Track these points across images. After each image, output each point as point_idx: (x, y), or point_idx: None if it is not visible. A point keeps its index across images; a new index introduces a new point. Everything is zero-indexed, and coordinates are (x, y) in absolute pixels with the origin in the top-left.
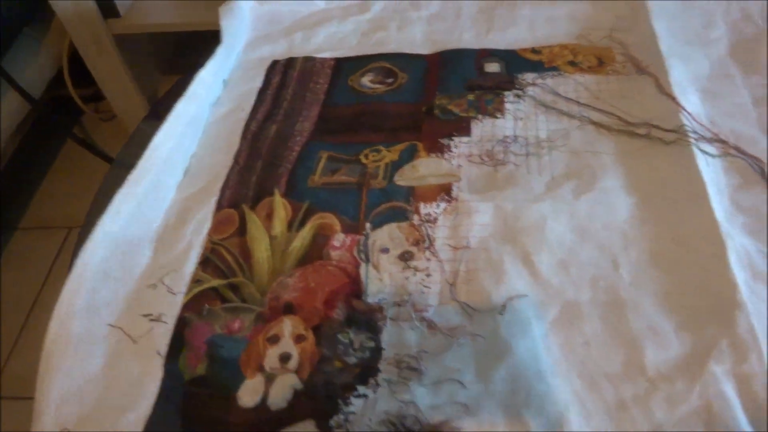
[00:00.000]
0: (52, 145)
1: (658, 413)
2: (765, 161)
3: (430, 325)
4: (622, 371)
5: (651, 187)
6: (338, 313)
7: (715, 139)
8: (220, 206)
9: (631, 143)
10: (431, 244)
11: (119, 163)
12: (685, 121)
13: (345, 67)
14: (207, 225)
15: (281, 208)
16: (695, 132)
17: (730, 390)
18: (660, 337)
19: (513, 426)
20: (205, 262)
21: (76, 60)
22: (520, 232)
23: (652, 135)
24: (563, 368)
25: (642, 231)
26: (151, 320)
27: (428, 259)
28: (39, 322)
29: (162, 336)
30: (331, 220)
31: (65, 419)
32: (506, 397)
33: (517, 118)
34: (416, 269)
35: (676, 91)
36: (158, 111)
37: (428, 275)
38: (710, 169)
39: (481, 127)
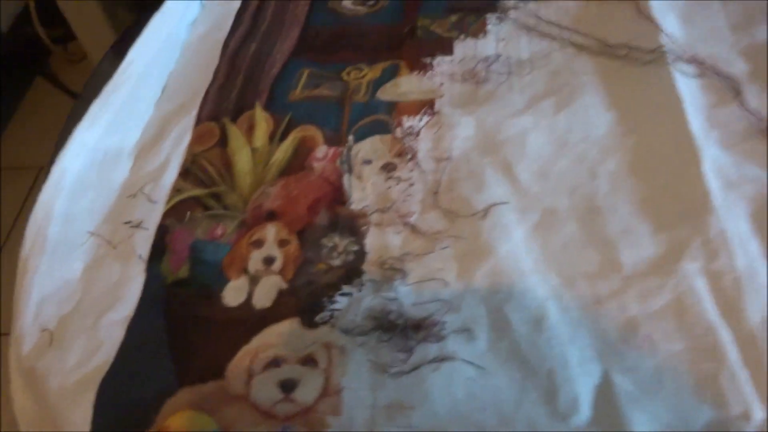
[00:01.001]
0: (19, 84)
1: (633, 307)
2: (739, 81)
3: (414, 229)
4: (598, 270)
5: (629, 103)
6: (322, 219)
7: (692, 60)
8: (199, 120)
9: (610, 64)
10: (414, 155)
11: (84, 99)
12: (664, 42)
13: None
14: (187, 138)
15: (262, 120)
16: (673, 53)
17: (701, 285)
18: (635, 239)
19: (494, 320)
20: (185, 174)
21: (43, 1)
22: (501, 145)
23: (630, 56)
24: (542, 267)
25: (620, 143)
26: (132, 227)
27: (411, 170)
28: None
29: (143, 241)
30: (313, 132)
31: (45, 320)
32: (488, 294)
33: (500, 39)
34: (399, 179)
35: (656, 15)
36: (122, 45)
37: (411, 185)
38: (686, 88)
39: (464, 47)
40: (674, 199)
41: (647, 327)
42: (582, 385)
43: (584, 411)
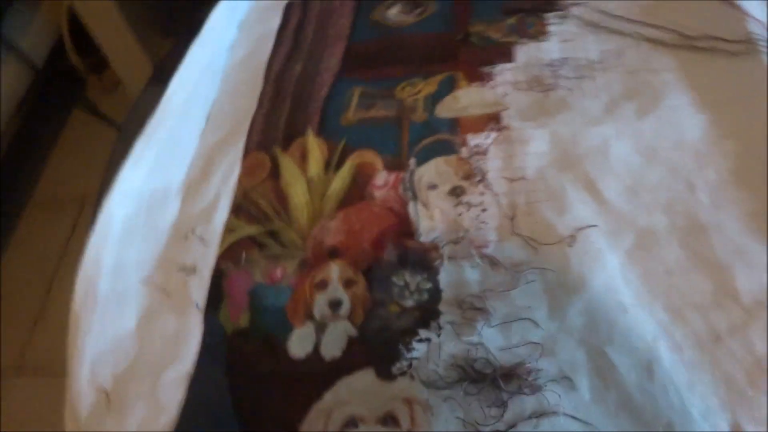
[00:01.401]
0: (58, 117)
1: (759, 343)
2: None
3: (493, 261)
4: (712, 300)
5: (721, 102)
6: (389, 255)
7: None
8: (248, 150)
9: (693, 58)
10: (483, 177)
11: (126, 129)
12: (753, 30)
13: (365, 2)
14: (236, 171)
15: (316, 148)
16: (765, 40)
17: None
18: (750, 260)
19: (597, 365)
20: (237, 210)
21: (76, 31)
22: (581, 158)
23: (715, 47)
24: (645, 300)
25: (718, 149)
26: (186, 273)
27: (482, 194)
28: (57, 301)
29: (198, 289)
30: (371, 157)
31: (101, 379)
32: (585, 334)
33: (564, 40)
34: (470, 204)
35: None
36: (162, 74)
37: (484, 210)
38: None
39: (525, 52)
40: None
41: None
42: None
43: None
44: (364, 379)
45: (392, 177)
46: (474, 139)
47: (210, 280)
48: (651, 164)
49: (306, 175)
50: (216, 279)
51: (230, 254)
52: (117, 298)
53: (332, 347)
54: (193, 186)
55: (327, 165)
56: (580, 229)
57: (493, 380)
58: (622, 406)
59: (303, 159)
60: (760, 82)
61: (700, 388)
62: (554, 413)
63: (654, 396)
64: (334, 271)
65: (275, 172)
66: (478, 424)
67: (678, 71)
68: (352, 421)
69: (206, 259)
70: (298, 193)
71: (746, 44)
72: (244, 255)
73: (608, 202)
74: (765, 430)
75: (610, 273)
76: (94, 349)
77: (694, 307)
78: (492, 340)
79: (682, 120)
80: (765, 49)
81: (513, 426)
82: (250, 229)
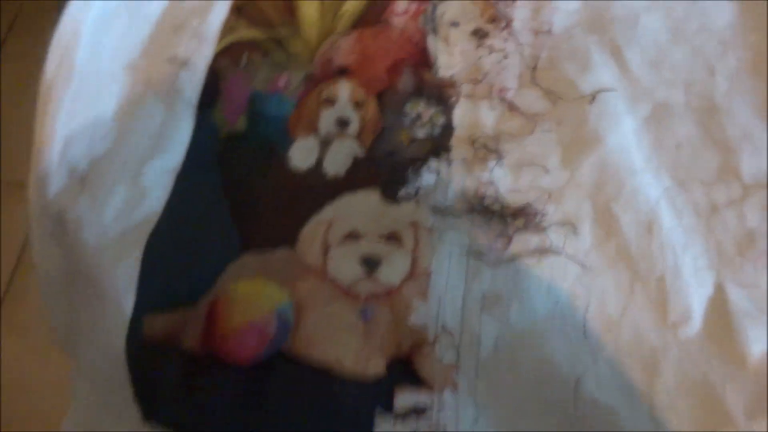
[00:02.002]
0: None
1: (752, 218)
2: None
3: (511, 106)
4: (715, 175)
5: None
6: (404, 83)
7: None
8: None
9: None
10: (509, 24)
11: None
12: None
13: None
14: None
15: None
16: None
17: None
18: (756, 145)
19: (601, 217)
20: (238, 11)
21: None
22: (610, 23)
23: None
24: (653, 166)
25: (741, 39)
26: (177, 65)
27: (505, 40)
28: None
29: (190, 83)
30: None
31: (74, 160)
32: (594, 189)
33: None
34: (492, 48)
35: None
36: None
37: (505, 57)
38: None
39: None
40: None
41: (767, 241)
42: (694, 295)
43: (695, 323)
44: (368, 198)
45: (414, 6)
46: None
47: (205, 76)
48: (677, 43)
49: None
50: (211, 77)
51: (229, 54)
52: (95, 75)
53: (336, 164)
54: None
55: None
56: (601, 90)
57: (500, 215)
58: (621, 257)
59: None
60: None
61: (692, 250)
62: (556, 253)
63: (651, 251)
64: (344, 89)
65: None
66: (482, 252)
67: None
68: (353, 234)
69: (201, 53)
70: (308, 6)
71: None
72: (245, 56)
73: (630, 71)
74: (745, 292)
75: (625, 136)
76: (68, 126)
77: (698, 180)
78: (502, 180)
79: (711, 6)
80: None
81: (515, 259)
82: (252, 32)
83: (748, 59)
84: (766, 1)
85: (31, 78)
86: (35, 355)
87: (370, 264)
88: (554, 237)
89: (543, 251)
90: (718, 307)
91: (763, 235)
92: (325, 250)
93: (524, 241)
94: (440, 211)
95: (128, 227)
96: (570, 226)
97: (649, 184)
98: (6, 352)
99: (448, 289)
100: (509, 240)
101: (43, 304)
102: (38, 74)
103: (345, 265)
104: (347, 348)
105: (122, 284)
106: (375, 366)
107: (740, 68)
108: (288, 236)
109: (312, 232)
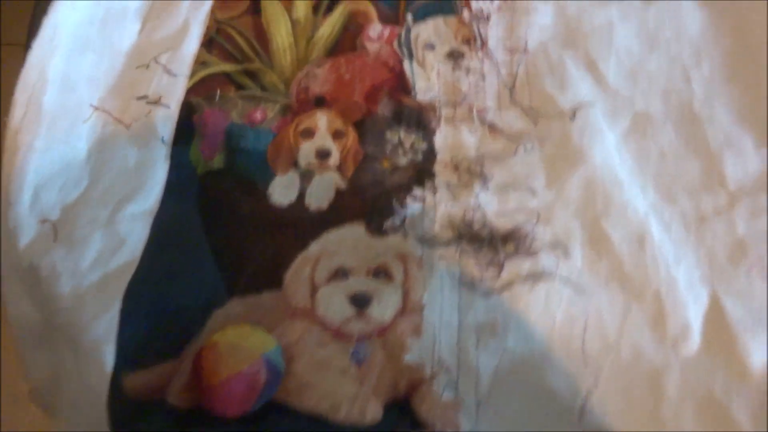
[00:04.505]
0: None
1: (741, 226)
2: None
3: (492, 127)
4: (701, 183)
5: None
6: (383, 109)
7: None
8: None
9: None
10: (484, 44)
11: None
12: None
13: None
14: None
15: None
16: None
17: None
18: (739, 151)
19: (591, 235)
20: (209, 44)
21: None
22: (584, 36)
23: None
24: (639, 179)
25: (714, 45)
26: (149, 103)
27: (481, 60)
28: None
29: (164, 121)
30: (365, 6)
31: (45, 209)
32: (582, 206)
33: None
34: (468, 70)
35: None
36: None
37: (483, 77)
38: None
39: None
40: None
41: (758, 249)
42: (691, 310)
43: (694, 338)
44: (353, 231)
45: (387, 30)
46: (478, 3)
47: (178, 113)
48: (652, 52)
49: (291, 15)
50: (185, 113)
51: (202, 89)
52: (66, 114)
53: (319, 197)
54: (156, 7)
55: (316, 8)
56: (580, 105)
57: (490, 241)
58: (614, 275)
59: None
60: None
61: (685, 263)
62: (549, 277)
63: (644, 267)
64: (322, 120)
65: (255, 7)
66: (475, 282)
67: None
68: (340, 271)
69: (173, 90)
70: (281, 34)
71: None
72: (218, 92)
73: (608, 83)
74: (740, 301)
75: (608, 150)
76: (38, 174)
77: (684, 189)
78: (489, 204)
79: (683, 13)
80: None
81: (508, 287)
82: (225, 66)
83: (722, 65)
84: (735, 8)
85: None
86: None
87: (360, 302)
88: (546, 260)
89: (536, 276)
90: (716, 319)
91: (753, 243)
92: (313, 290)
93: (516, 267)
94: (428, 240)
95: (105, 277)
96: (561, 247)
97: (636, 198)
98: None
99: (442, 323)
100: (501, 267)
101: (19, 361)
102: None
103: (334, 305)
104: (341, 394)
105: (102, 338)
106: (372, 412)
107: (715, 76)
108: (274, 277)
109: (298, 271)
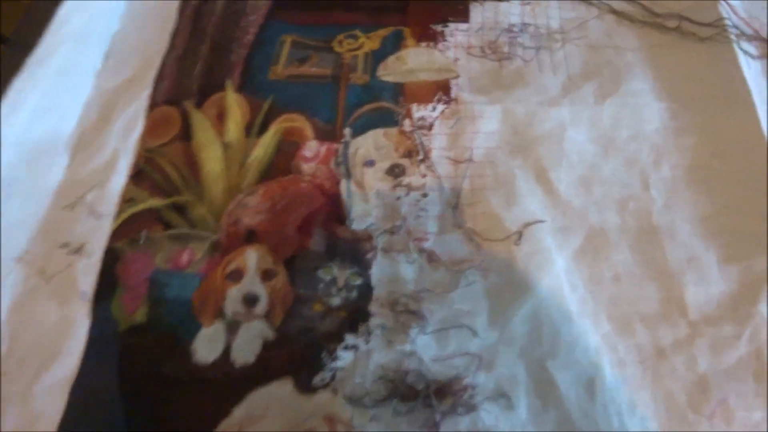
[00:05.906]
0: None
1: (703, 361)
2: None
3: (431, 257)
4: (659, 311)
5: (685, 90)
6: (316, 243)
7: (755, 38)
8: (154, 102)
9: (658, 37)
10: (426, 156)
11: (15, 43)
12: (725, 14)
13: None
14: (138, 127)
15: (236, 106)
16: (735, 27)
17: None
18: (701, 270)
19: (536, 381)
20: (138, 176)
21: None
22: (534, 142)
23: (683, 29)
24: (590, 309)
25: (676, 143)
26: (71, 252)
27: (423, 175)
28: None
29: (86, 273)
30: (301, 122)
31: None
32: (527, 346)
33: (525, 3)
34: (410, 187)
35: None
36: None
37: (424, 195)
38: (751, 71)
39: (482, 12)
40: (743, 217)
41: (721, 389)
42: None
43: None
44: (280, 390)
45: (324, 148)
46: (419, 111)
47: (101, 262)
48: (606, 155)
49: (223, 138)
50: (108, 261)
51: (127, 231)
52: None
53: (245, 352)
54: (84, 140)
55: (248, 128)
56: (529, 224)
57: (425, 398)
58: (561, 428)
59: (220, 119)
60: (726, 71)
61: (640, 410)
62: None
63: (594, 417)
64: (251, 258)
65: (186, 133)
66: None
67: (642, 52)
68: None
69: (97, 235)
70: (212, 160)
71: (716, 29)
72: (144, 233)
73: (559, 195)
74: None
75: (557, 276)
76: None
77: (641, 319)
78: (426, 349)
79: (641, 108)
80: (734, 38)
81: None
82: (152, 201)
83: (683, 166)
84: (700, 98)
85: None
86: None
87: None
88: (486, 416)
89: None
90: None
91: (716, 382)
92: None
93: (453, 427)
94: (359, 399)
95: None
96: (504, 399)
97: (587, 333)
98: None
99: None
100: (437, 427)
101: None
102: None
103: None
104: None
105: None
106: None
107: (676, 177)
108: None
109: None
